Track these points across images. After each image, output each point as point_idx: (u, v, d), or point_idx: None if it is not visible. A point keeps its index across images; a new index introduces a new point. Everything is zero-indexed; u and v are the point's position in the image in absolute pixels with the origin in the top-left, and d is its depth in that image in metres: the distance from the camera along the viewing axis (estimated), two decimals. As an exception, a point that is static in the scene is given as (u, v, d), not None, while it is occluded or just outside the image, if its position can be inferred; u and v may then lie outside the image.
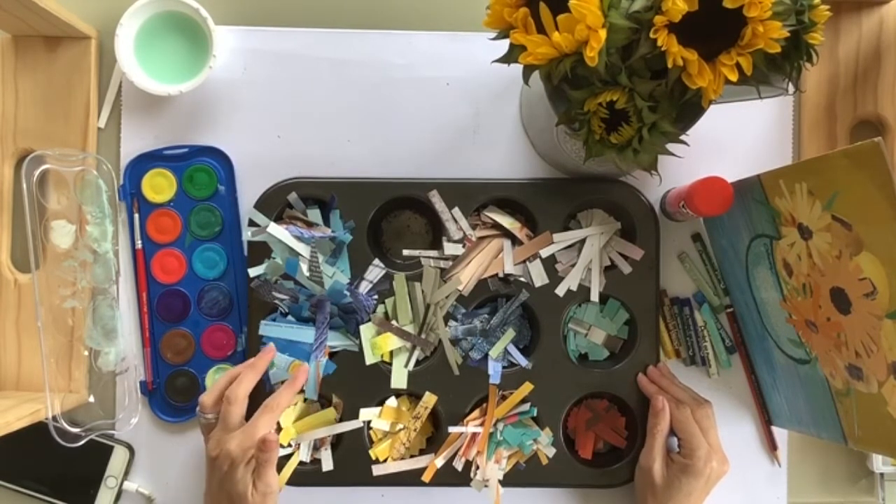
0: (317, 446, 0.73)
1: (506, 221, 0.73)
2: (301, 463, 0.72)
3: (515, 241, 0.73)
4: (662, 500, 0.67)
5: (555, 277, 0.73)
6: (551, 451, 0.72)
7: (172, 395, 0.74)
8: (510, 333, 0.73)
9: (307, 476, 0.72)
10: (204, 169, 0.74)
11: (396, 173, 0.75)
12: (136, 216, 0.74)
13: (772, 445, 0.76)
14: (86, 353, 0.74)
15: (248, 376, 0.66)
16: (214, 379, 0.74)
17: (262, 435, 0.63)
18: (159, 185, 0.74)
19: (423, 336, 0.72)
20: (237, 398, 0.65)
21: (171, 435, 0.75)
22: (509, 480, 0.72)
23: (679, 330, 0.76)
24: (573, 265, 0.73)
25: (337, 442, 0.73)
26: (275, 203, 0.72)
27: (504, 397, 0.73)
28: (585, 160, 0.59)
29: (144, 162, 0.74)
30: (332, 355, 0.72)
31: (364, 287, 0.72)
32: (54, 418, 0.69)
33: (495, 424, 0.72)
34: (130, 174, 0.74)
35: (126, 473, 0.75)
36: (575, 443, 0.75)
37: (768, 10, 0.48)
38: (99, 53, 0.75)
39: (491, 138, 0.76)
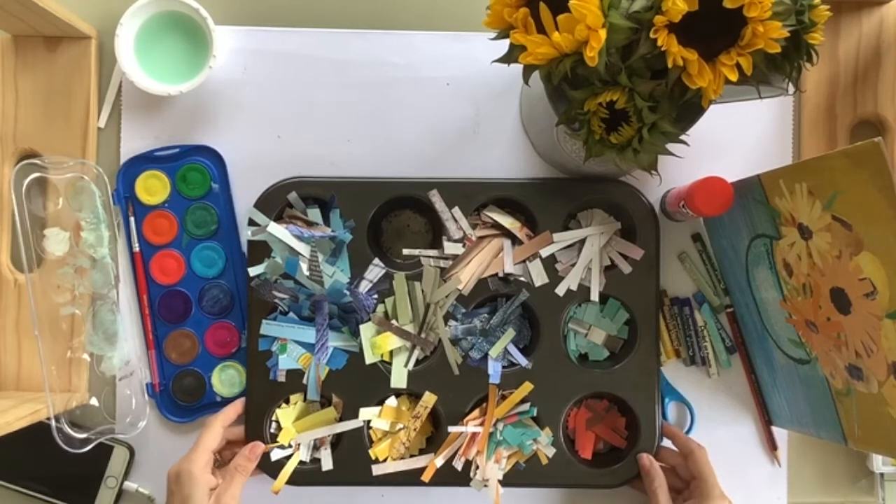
0: (317, 446, 0.73)
1: (506, 221, 0.73)
2: (301, 463, 0.72)
3: (515, 240, 0.73)
4: None
5: (555, 277, 0.73)
6: (551, 451, 0.72)
7: (180, 395, 0.74)
8: (510, 333, 0.73)
9: (307, 476, 0.72)
10: (196, 168, 0.74)
11: (396, 173, 0.75)
12: (132, 219, 0.74)
13: (772, 445, 0.76)
14: (87, 357, 0.73)
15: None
16: (220, 377, 0.74)
17: (249, 444, 0.69)
18: (153, 187, 0.74)
19: (422, 336, 0.72)
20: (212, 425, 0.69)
21: (171, 434, 0.75)
22: (509, 480, 0.72)
23: (679, 330, 0.76)
24: (573, 265, 0.73)
25: (337, 442, 0.73)
26: (275, 202, 0.72)
27: (504, 397, 0.73)
28: (585, 160, 0.59)
29: (137, 164, 0.74)
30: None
31: (364, 286, 0.72)
32: (58, 420, 0.69)
33: (495, 424, 0.72)
34: (123, 177, 0.74)
35: (126, 473, 0.75)
36: (575, 443, 0.75)
37: (768, 10, 0.48)
38: (99, 53, 0.75)
39: (491, 138, 0.76)
